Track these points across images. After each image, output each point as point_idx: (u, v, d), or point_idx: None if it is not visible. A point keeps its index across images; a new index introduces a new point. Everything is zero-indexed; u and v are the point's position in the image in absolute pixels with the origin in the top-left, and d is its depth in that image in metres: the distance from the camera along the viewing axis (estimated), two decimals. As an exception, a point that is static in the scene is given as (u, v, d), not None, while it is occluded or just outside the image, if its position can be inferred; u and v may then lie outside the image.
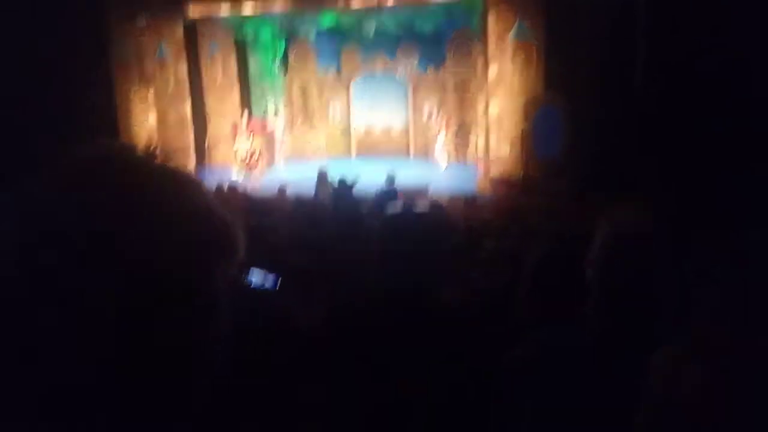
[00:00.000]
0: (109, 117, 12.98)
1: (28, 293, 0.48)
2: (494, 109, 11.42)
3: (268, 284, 2.47)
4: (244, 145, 13.38)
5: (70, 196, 0.52)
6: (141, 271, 0.52)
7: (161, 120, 13.61)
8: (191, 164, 13.74)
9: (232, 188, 9.66)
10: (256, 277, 2.48)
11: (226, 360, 0.61)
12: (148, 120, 13.44)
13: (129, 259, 0.52)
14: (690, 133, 7.94)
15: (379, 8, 12.67)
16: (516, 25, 11.06)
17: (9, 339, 0.49)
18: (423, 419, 1.57)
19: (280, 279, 2.51)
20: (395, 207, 6.36)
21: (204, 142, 15.26)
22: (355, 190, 9.54)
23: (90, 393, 0.50)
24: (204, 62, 15.27)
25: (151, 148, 0.65)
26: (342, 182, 9.60)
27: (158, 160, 0.61)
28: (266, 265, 2.65)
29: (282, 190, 9.97)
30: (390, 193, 9.28)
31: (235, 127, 14.64)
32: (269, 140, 15.52)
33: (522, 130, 11.17)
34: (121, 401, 0.51)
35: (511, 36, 11.14)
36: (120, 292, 0.51)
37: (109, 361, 0.50)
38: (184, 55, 13.54)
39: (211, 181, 10.08)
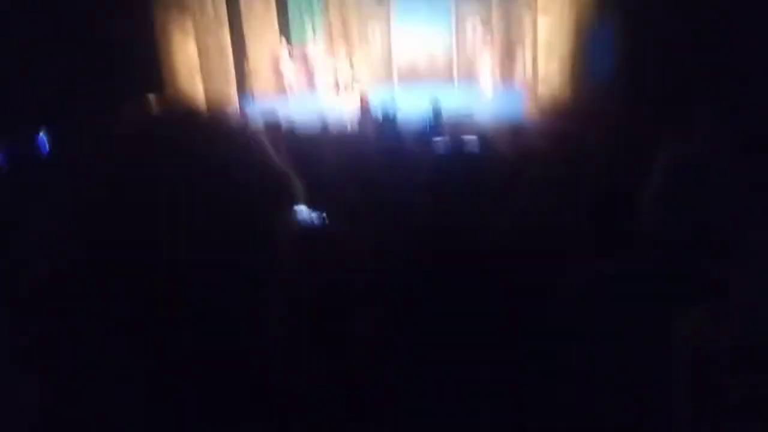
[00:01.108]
0: (148, 48, 13.03)
1: (114, 236, 0.52)
2: (543, 25, 10.92)
3: (317, 220, 2.52)
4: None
5: (144, 154, 0.55)
6: (213, 221, 0.55)
7: (201, 49, 13.57)
8: (232, 91, 13.79)
9: (274, 121, 9.66)
10: (304, 213, 2.54)
11: (287, 298, 0.65)
12: (187, 50, 13.44)
13: (199, 211, 0.55)
14: (756, 52, 7.43)
15: None
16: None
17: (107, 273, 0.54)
18: (475, 354, 1.62)
19: (326, 214, 2.56)
20: (442, 143, 6.29)
21: (244, 70, 15.22)
22: (399, 120, 9.45)
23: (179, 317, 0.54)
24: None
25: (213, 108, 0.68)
26: (385, 113, 9.51)
27: (212, 116, 0.64)
28: (315, 201, 2.70)
29: (323, 120, 9.96)
30: (436, 124, 9.16)
31: (275, 55, 14.49)
32: (310, 66, 15.36)
33: (573, 49, 10.69)
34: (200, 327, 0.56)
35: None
36: (192, 243, 0.55)
37: (191, 295, 0.55)
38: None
39: (253, 110, 10.13)
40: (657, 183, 1.40)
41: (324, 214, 2.59)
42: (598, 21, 10.26)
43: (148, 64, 12.81)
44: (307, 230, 2.20)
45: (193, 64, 13.50)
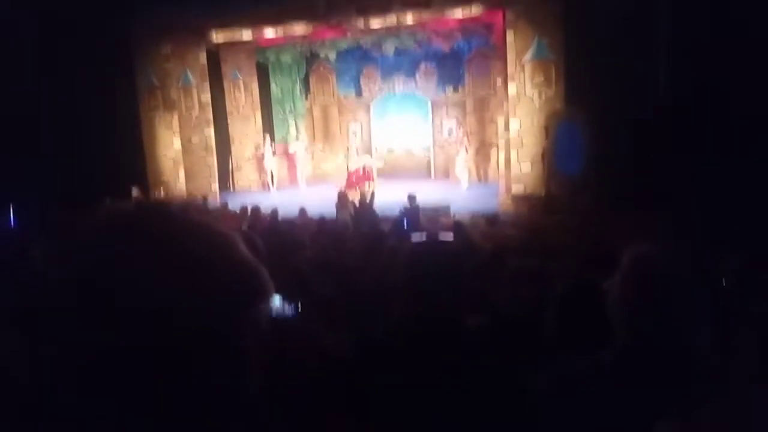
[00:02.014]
0: (134, 143, 13.30)
1: (72, 337, 0.51)
2: (514, 126, 11.43)
3: (290, 312, 2.49)
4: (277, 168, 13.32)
5: (113, 248, 0.56)
6: (179, 318, 0.55)
7: (185, 145, 13.90)
8: (214, 188, 13.97)
9: (256, 211, 9.77)
10: (278, 305, 2.51)
11: (259, 392, 0.64)
12: (172, 145, 13.73)
13: (167, 307, 0.55)
14: (718, 147, 7.84)
15: (397, 28, 12.86)
16: (535, 42, 11.10)
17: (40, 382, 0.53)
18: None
19: (301, 306, 2.54)
20: (419, 233, 6.40)
21: (228, 167, 15.53)
22: (374, 209, 9.62)
23: None
24: (227, 87, 15.60)
25: (186, 203, 0.69)
26: (363, 201, 9.69)
27: (191, 215, 0.65)
28: (290, 292, 2.69)
29: (303, 212, 10.07)
30: (411, 213, 9.30)
31: (260, 152, 14.87)
32: (291, 163, 15.74)
33: (543, 147, 11.15)
34: None
35: (529, 53, 11.19)
36: (158, 339, 0.54)
37: (148, 404, 0.53)
38: (207, 80, 13.88)
39: (234, 205, 10.23)
40: (619, 281, 1.43)
41: (298, 307, 2.58)
42: (566, 124, 10.78)
43: (133, 158, 13.03)
44: (280, 326, 2.17)
45: (177, 160, 13.75)
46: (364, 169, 12.80)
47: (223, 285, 0.60)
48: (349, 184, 12.58)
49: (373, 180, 12.67)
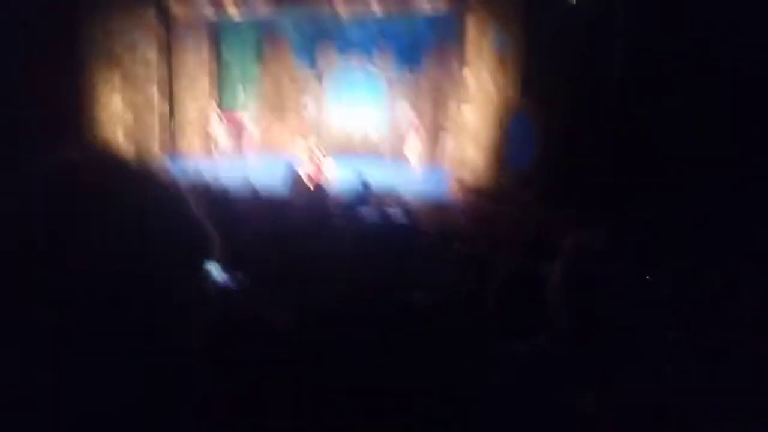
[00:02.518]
0: (71, 97, 12.67)
1: (15, 294, 0.51)
2: (468, 114, 11.58)
3: (235, 282, 2.49)
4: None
5: (53, 200, 0.55)
6: (124, 273, 0.56)
7: (127, 104, 13.36)
8: (156, 149, 13.54)
9: (197, 179, 9.54)
10: (222, 275, 2.51)
11: (202, 360, 0.65)
12: (112, 102, 13.18)
13: (110, 260, 0.55)
14: (665, 147, 8.15)
15: (360, 14, 12.76)
16: (493, 33, 11.22)
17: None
18: (393, 421, 1.63)
19: (247, 277, 2.53)
20: (368, 214, 6.43)
21: (170, 128, 15.06)
22: (326, 190, 9.58)
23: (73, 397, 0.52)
24: (175, 45, 15.04)
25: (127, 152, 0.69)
26: (314, 182, 9.64)
27: (135, 164, 0.65)
28: (235, 263, 2.68)
29: (249, 184, 9.91)
30: (363, 195, 9.34)
31: (204, 116, 14.46)
32: (238, 131, 15.40)
33: (495, 138, 11.34)
34: (102, 400, 0.54)
35: (488, 44, 11.31)
36: (102, 293, 0.55)
37: (94, 362, 0.53)
38: (154, 35, 13.34)
39: (177, 169, 9.95)
40: (558, 268, 1.50)
41: (241, 277, 2.56)
42: (519, 112, 10.98)
43: (71, 115, 12.42)
44: (222, 292, 2.16)
45: (118, 119, 13.22)
46: (318, 168, 12.58)
47: (172, 240, 0.61)
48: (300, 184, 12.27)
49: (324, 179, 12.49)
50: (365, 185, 9.60)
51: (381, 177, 12.36)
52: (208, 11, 14.28)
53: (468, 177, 11.66)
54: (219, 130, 15.08)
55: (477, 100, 11.53)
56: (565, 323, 1.52)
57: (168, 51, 14.70)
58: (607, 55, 9.20)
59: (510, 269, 2.45)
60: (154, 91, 13.57)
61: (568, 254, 1.47)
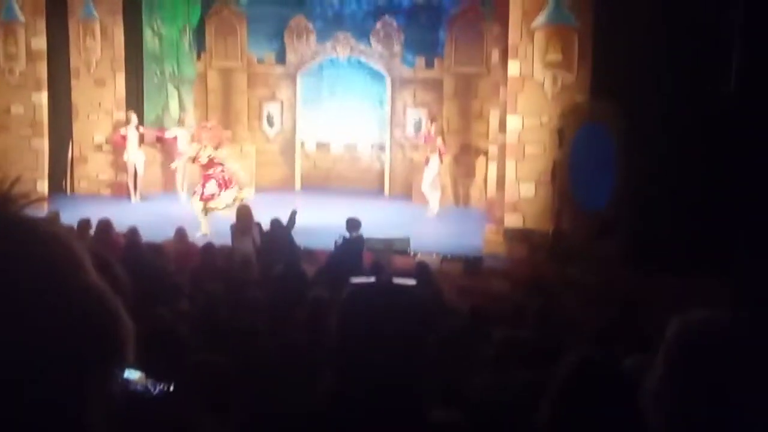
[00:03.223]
0: None
1: None
2: (514, 125, 11.61)
3: (158, 391, 2.48)
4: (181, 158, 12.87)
5: None
6: None
7: (1, 118, 13.54)
8: (43, 189, 13.63)
9: (105, 227, 9.57)
10: (140, 379, 2.50)
11: None
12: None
13: None
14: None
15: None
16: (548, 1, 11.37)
17: None
18: None
19: (175, 384, 2.52)
20: (360, 274, 6.39)
21: (66, 157, 15.17)
22: (292, 238, 9.57)
23: None
24: (73, 30, 15.31)
25: (4, 186, 0.69)
26: (276, 225, 9.63)
27: (11, 207, 0.65)
28: (158, 363, 2.66)
29: (182, 235, 9.93)
30: (353, 246, 9.32)
31: (118, 136, 14.59)
32: (167, 157, 15.51)
33: (555, 161, 11.35)
34: None
35: (543, 16, 11.45)
36: None
37: None
38: (42, 16, 13.61)
39: (70, 217, 10.00)
40: (661, 364, 1.47)
41: (165, 385, 2.54)
42: (592, 128, 10.96)
43: None
44: (141, 409, 2.14)
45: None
46: (221, 167, 12.54)
47: (59, 328, 0.60)
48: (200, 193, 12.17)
49: (234, 187, 12.37)
50: (358, 236, 9.61)
51: (383, 223, 12.37)
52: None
53: (514, 222, 11.65)
54: (140, 157, 15.15)
55: (526, 103, 11.58)
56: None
57: (64, 39, 14.96)
58: (722, 30, 9.18)
59: (580, 364, 2.43)
60: (43, 100, 13.75)
61: (676, 342, 1.46)
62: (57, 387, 0.62)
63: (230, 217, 10.55)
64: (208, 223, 11.83)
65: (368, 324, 1.92)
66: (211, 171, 12.27)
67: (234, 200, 11.93)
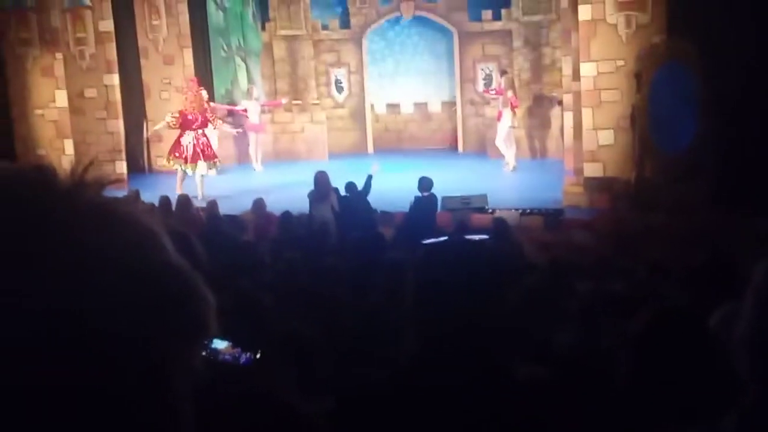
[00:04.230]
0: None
1: None
2: (588, 71, 11.44)
3: (245, 360, 2.54)
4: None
5: None
6: (65, 357, 0.57)
7: (73, 102, 13.85)
8: (122, 169, 13.96)
9: (184, 203, 9.80)
10: (227, 349, 2.56)
11: None
12: (54, 101, 13.70)
13: (47, 340, 0.57)
14: None
15: None
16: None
17: None
18: None
19: (260, 352, 2.58)
20: (434, 233, 6.41)
21: (141, 136, 15.51)
22: (370, 202, 9.63)
23: None
24: (139, 10, 15.56)
25: (79, 170, 0.71)
26: (352, 189, 9.70)
27: (89, 191, 0.67)
28: (241, 329, 2.73)
29: (259, 206, 10.09)
30: (425, 206, 9.33)
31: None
32: (242, 129, 15.71)
33: (633, 106, 11.16)
34: None
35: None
36: (33, 392, 0.57)
37: None
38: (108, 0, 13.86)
39: (154, 195, 10.26)
40: (747, 310, 1.44)
41: (252, 355, 2.60)
42: (672, 70, 10.73)
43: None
44: (224, 381, 2.20)
45: (62, 123, 13.71)
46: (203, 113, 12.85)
47: (143, 306, 0.62)
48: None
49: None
50: (431, 195, 9.59)
51: (458, 179, 12.34)
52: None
53: (593, 172, 11.50)
54: (210, 131, 15.39)
55: (599, 51, 11.38)
56: (759, 395, 1.47)
57: (130, 19, 15.21)
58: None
59: (665, 312, 2.39)
60: (114, 81, 14.05)
61: (763, 291, 1.42)
62: (142, 365, 0.64)
63: (307, 183, 10.60)
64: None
65: (444, 283, 1.93)
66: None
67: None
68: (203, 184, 12.71)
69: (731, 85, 9.47)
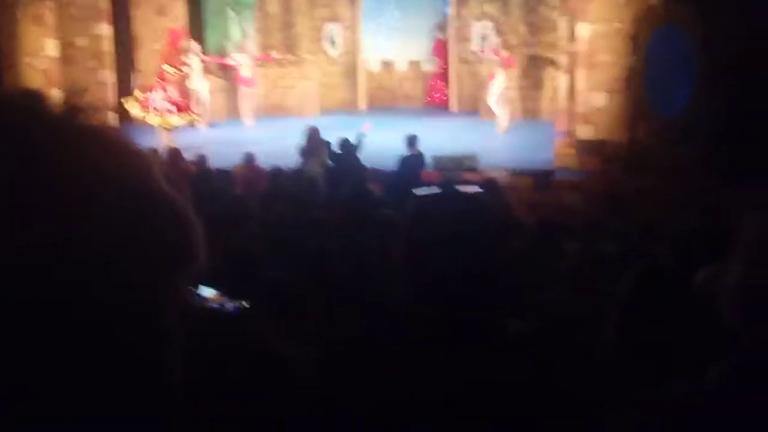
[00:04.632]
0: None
1: None
2: (584, 33, 11.40)
3: (233, 308, 2.55)
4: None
5: None
6: (58, 282, 0.58)
7: (65, 51, 13.74)
8: (111, 120, 13.88)
9: (174, 156, 9.77)
10: (215, 297, 2.57)
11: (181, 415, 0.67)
12: (43, 50, 13.60)
13: (39, 264, 0.57)
14: None
15: None
16: None
17: None
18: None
19: (247, 300, 2.59)
20: (427, 187, 6.41)
21: (130, 86, 15.39)
22: (361, 158, 9.63)
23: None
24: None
25: (71, 98, 0.70)
26: (345, 145, 9.69)
27: (81, 117, 0.67)
28: (229, 278, 2.73)
29: (250, 160, 10.08)
30: (412, 164, 9.34)
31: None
32: (231, 83, 15.63)
33: (628, 68, 11.15)
34: None
35: None
36: (28, 315, 0.57)
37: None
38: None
39: (144, 143, 10.23)
40: (735, 270, 1.45)
41: (240, 303, 2.61)
42: (668, 31, 10.70)
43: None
44: (213, 327, 2.21)
45: (52, 73, 13.62)
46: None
47: (134, 230, 0.62)
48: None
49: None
50: (417, 153, 9.60)
51: (450, 138, 12.32)
52: None
53: (587, 133, 11.51)
54: (204, 84, 15.33)
55: (596, 12, 11.34)
56: (752, 346, 1.48)
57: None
58: None
59: (657, 272, 2.40)
60: (106, 31, 13.89)
61: (753, 244, 1.42)
62: (132, 289, 0.64)
63: (296, 138, 10.58)
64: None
65: (436, 232, 1.93)
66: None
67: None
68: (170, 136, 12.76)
69: (728, 48, 9.44)
